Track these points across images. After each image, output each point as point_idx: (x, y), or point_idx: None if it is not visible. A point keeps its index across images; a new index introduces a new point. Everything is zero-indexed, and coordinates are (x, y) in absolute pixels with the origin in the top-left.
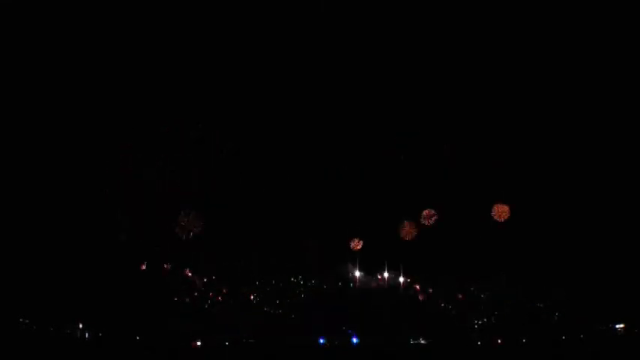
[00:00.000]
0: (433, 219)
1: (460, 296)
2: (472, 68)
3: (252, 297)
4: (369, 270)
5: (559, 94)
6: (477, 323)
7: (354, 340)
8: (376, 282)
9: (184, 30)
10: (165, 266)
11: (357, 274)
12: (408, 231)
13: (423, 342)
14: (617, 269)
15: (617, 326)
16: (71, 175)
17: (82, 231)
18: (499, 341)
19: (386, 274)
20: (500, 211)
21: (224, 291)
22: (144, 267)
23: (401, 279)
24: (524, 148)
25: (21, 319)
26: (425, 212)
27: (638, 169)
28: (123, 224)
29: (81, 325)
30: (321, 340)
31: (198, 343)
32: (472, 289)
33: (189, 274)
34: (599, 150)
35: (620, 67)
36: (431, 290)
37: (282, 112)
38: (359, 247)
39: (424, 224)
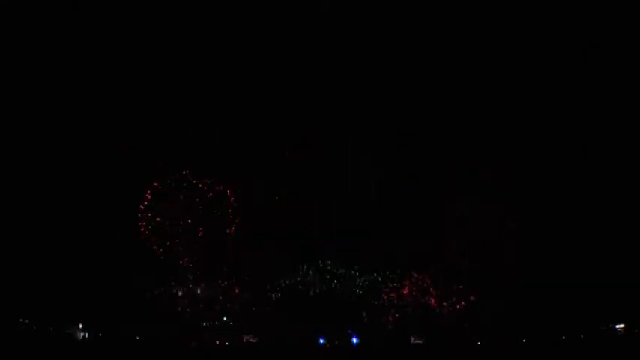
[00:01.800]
0: None
1: (461, 296)
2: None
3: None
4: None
5: (558, 95)
6: (477, 323)
7: (354, 340)
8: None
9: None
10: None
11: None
12: None
13: (422, 342)
14: (617, 269)
15: (617, 326)
16: (71, 176)
17: (82, 232)
18: (499, 341)
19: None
20: None
21: (224, 292)
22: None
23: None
24: (524, 147)
25: (21, 319)
26: None
27: (638, 169)
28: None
29: (81, 325)
30: (321, 340)
31: (198, 343)
32: (473, 289)
33: (190, 276)
34: (598, 150)
35: (620, 67)
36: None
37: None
38: None
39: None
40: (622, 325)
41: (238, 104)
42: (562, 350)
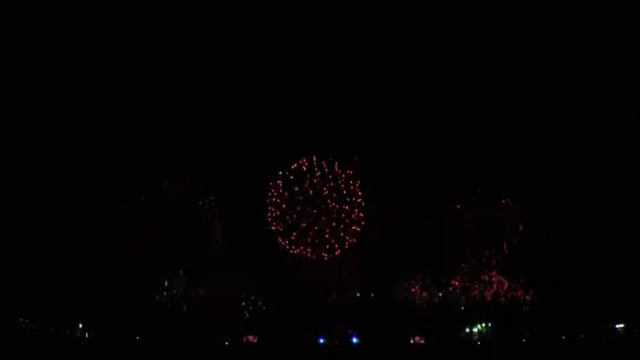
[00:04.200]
0: None
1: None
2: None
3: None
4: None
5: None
6: (477, 322)
7: (354, 340)
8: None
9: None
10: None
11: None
12: None
13: (422, 341)
14: (617, 269)
15: (617, 326)
16: (72, 178)
17: (83, 233)
18: (499, 341)
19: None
20: None
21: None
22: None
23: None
24: (524, 146)
25: (21, 319)
26: None
27: (638, 169)
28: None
29: (81, 325)
30: (321, 340)
31: (199, 343)
32: (473, 288)
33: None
34: (598, 150)
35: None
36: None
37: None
38: None
39: None
40: (622, 325)
41: None
42: (562, 350)
